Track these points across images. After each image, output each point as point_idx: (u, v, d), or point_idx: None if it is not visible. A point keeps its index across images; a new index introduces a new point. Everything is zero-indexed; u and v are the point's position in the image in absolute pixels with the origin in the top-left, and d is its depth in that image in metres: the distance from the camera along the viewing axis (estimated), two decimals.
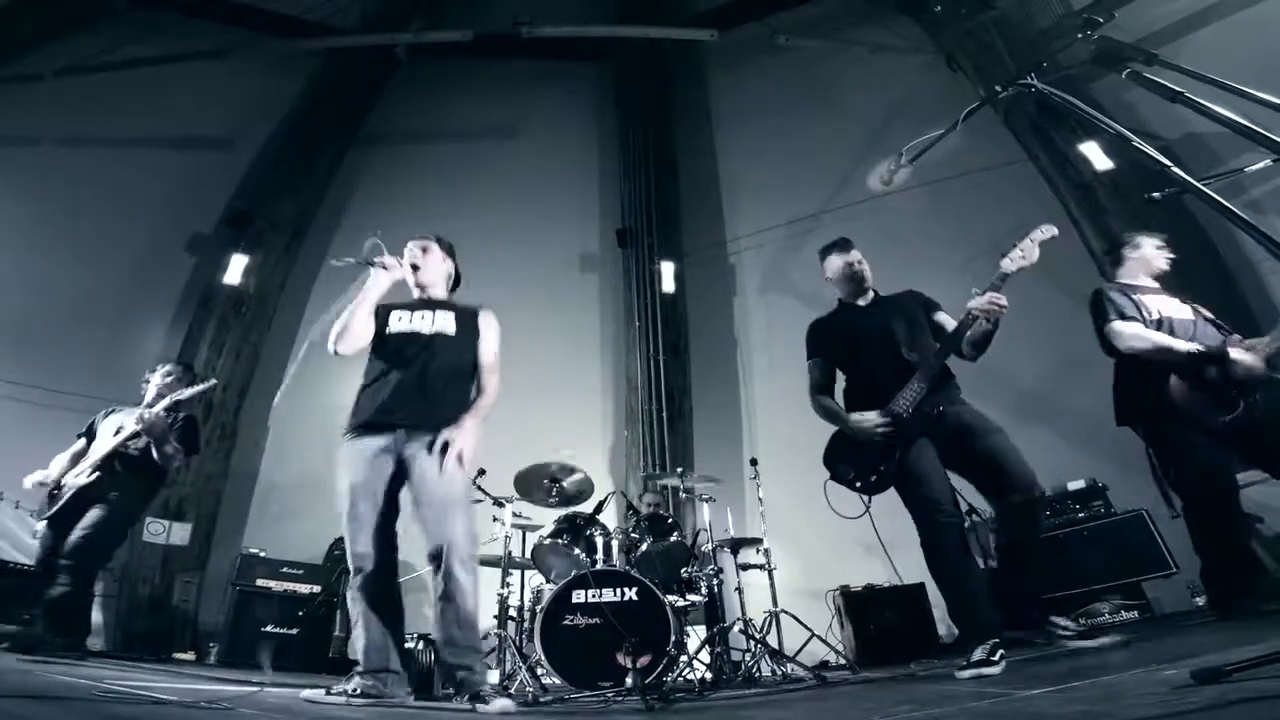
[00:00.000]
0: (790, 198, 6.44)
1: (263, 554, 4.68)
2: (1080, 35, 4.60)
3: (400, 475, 2.19)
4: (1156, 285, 2.83)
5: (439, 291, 2.53)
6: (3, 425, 4.72)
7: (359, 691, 2.04)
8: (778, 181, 6.65)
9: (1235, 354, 2.37)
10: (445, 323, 2.39)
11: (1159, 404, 2.46)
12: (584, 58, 7.37)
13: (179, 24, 6.01)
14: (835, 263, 2.78)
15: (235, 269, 5.75)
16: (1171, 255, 2.89)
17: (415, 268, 2.46)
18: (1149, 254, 2.87)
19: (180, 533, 5.00)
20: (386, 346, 2.34)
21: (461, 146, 7.25)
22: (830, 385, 2.70)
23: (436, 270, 2.52)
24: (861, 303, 2.75)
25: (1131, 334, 2.57)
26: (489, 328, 2.46)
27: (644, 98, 7.25)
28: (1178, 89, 1.50)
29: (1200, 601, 3.35)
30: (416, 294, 2.51)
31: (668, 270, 6.28)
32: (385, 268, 2.35)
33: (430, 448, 2.12)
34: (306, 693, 2.10)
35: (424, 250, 2.51)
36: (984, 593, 2.24)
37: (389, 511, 2.18)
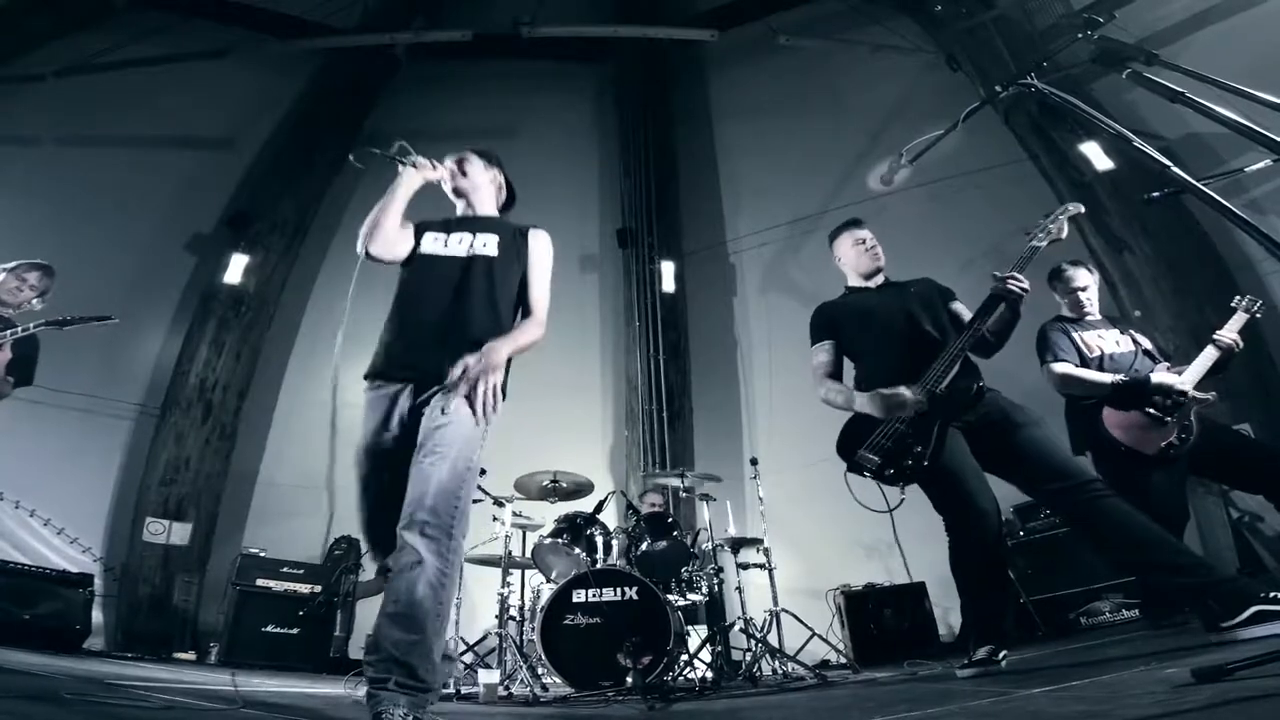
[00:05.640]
0: (791, 197, 6.44)
1: (263, 554, 4.68)
2: (1080, 35, 4.58)
3: (409, 436, 1.72)
4: (1099, 319, 2.86)
5: (484, 205, 2.15)
6: (2, 425, 4.70)
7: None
8: (778, 181, 6.64)
9: (1157, 378, 2.49)
10: (486, 244, 1.97)
11: (1099, 436, 2.53)
12: (584, 58, 7.36)
13: (179, 24, 5.99)
14: (847, 241, 2.64)
15: (235, 269, 5.75)
16: (1087, 287, 2.86)
17: (454, 174, 2.13)
18: (1075, 300, 2.86)
19: (180, 533, 4.99)
20: (413, 271, 1.96)
21: (462, 146, 7.21)
22: (839, 371, 2.52)
23: (479, 179, 2.15)
24: (873, 284, 2.60)
25: (1062, 374, 2.66)
26: (540, 246, 2.06)
27: (644, 98, 7.23)
28: (1178, 89, 1.50)
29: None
30: (460, 208, 2.15)
31: (668, 270, 6.29)
32: (416, 166, 2.00)
33: (446, 391, 1.69)
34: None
35: (459, 162, 2.14)
36: (1004, 595, 2.20)
37: (396, 482, 1.70)
